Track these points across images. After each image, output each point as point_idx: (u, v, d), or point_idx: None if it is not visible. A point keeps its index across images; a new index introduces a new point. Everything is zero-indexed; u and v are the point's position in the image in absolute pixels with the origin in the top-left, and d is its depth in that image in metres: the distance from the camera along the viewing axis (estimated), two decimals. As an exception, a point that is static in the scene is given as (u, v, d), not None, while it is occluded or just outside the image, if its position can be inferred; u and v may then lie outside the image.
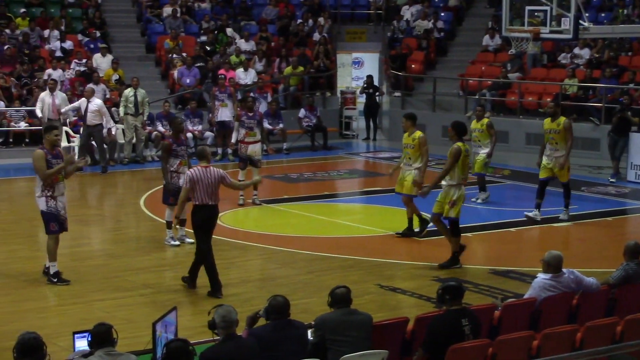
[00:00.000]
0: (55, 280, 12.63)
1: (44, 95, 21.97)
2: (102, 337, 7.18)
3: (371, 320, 8.39)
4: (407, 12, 30.61)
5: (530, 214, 16.54)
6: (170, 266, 13.73)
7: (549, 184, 16.73)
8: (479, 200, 18.06)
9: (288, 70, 27.21)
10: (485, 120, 18.14)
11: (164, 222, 15.05)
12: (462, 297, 8.43)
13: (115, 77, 25.36)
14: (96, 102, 21.50)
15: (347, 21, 31.55)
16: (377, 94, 27.67)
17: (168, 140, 14.94)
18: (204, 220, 12.23)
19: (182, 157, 14.65)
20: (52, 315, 11.41)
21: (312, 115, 25.79)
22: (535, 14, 20.43)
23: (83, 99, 21.72)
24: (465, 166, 13.63)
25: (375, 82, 28.16)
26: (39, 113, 21.96)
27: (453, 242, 13.76)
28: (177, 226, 13.95)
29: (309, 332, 8.19)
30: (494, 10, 29.69)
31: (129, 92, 22.75)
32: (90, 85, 22.49)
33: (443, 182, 13.70)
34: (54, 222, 12.57)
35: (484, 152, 18.01)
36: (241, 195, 17.72)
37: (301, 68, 27.26)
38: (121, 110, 22.82)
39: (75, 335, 7.86)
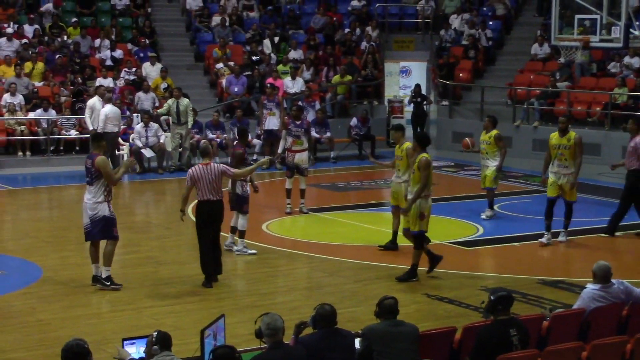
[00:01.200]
0: (109, 283, 12.79)
1: (95, 102, 22.02)
2: (168, 340, 7.33)
3: (417, 332, 8.37)
4: (456, 21, 30.51)
5: (543, 240, 15.72)
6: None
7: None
8: (483, 217, 17.46)
9: (336, 78, 27.27)
10: (494, 132, 17.28)
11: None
12: (511, 307, 8.39)
13: (163, 85, 25.57)
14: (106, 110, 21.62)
15: (395, 30, 31.51)
16: (424, 102, 27.60)
17: (240, 148, 14.92)
18: (208, 215, 12.98)
19: (250, 165, 14.90)
20: (102, 321, 11.51)
21: (363, 127, 25.68)
22: (585, 22, 20.32)
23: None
24: (431, 178, 13.32)
25: (423, 91, 28.11)
26: (87, 120, 22.10)
27: (415, 255, 13.39)
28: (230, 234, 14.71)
29: (357, 341, 8.18)
30: (543, 18, 29.50)
31: (171, 102, 22.88)
32: (107, 95, 22.46)
33: (409, 196, 13.37)
34: (115, 227, 12.87)
35: (492, 165, 17.29)
36: (288, 204, 17.77)
37: (349, 77, 27.30)
38: (164, 110, 22.98)
39: (125, 342, 7.88)
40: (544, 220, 15.75)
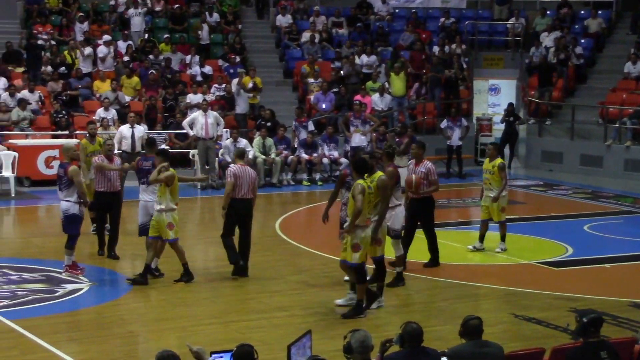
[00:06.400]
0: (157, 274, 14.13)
1: (198, 115, 22.74)
2: (247, 356, 7.28)
3: (502, 352, 8.26)
4: (547, 39, 30.15)
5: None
6: (304, 289, 13.81)
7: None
8: (497, 250, 16.09)
9: (393, 78, 27.14)
10: (498, 162, 15.88)
11: (299, 246, 15.21)
12: (601, 329, 8.25)
13: (250, 84, 25.79)
14: (139, 129, 21.68)
15: (484, 47, 31.34)
16: (517, 122, 27.24)
17: (345, 170, 14.46)
18: (242, 211, 13.93)
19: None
20: (189, 334, 11.59)
21: (455, 126, 25.41)
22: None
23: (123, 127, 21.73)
24: (370, 204, 12.26)
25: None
26: (187, 129, 22.76)
27: (359, 290, 12.41)
28: None
29: (443, 360, 8.11)
30: (637, 36, 29.06)
31: (259, 140, 23.38)
32: (132, 114, 22.12)
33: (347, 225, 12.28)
34: None
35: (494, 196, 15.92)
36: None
37: (403, 73, 27.09)
38: (255, 150, 23.25)
39: (213, 355, 7.90)
40: None
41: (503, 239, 16.18)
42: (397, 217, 13.59)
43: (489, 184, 16.02)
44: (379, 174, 12.58)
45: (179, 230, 13.92)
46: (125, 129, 20.87)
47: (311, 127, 24.54)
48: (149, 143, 15.04)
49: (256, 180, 14.28)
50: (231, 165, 14.30)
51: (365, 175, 12.38)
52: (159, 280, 14.10)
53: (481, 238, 16.23)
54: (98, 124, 23.32)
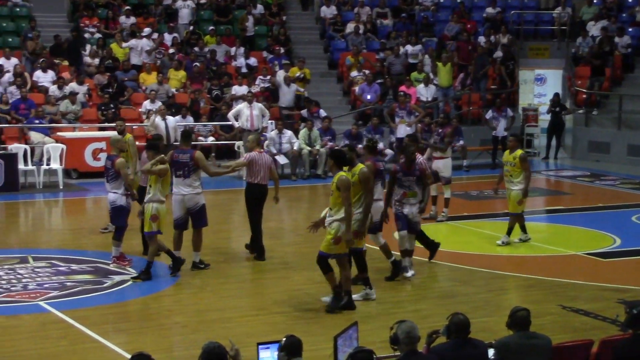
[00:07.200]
0: (203, 266, 14.28)
1: (243, 107, 23.02)
2: (297, 347, 7.33)
3: (550, 344, 8.22)
4: (593, 28, 29.85)
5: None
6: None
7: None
8: (499, 242, 15.99)
9: (440, 67, 26.96)
10: (519, 153, 15.71)
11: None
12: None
13: (299, 75, 25.82)
14: (171, 120, 21.84)
15: (530, 37, 31.10)
16: (563, 112, 27.02)
17: (395, 166, 14.12)
18: (255, 196, 14.58)
19: (408, 188, 13.68)
20: (235, 325, 11.68)
21: (500, 117, 25.14)
22: None
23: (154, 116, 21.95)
24: (354, 198, 12.13)
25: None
26: (233, 120, 23.04)
27: (343, 279, 12.32)
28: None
29: (490, 351, 8.08)
30: (685, 24, 28.68)
31: (304, 132, 23.56)
32: (162, 106, 22.58)
33: (330, 218, 12.15)
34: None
35: (516, 188, 15.70)
36: (445, 212, 17.82)
37: (449, 64, 27.02)
38: (301, 141, 23.32)
39: (260, 346, 7.94)
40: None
41: (509, 232, 16.02)
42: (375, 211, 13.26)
43: (509, 175, 15.84)
44: (360, 166, 12.41)
45: (162, 225, 13.70)
46: (157, 121, 21.13)
47: (323, 113, 24.51)
48: (185, 135, 14.71)
49: (273, 166, 14.85)
50: (250, 152, 14.72)
51: (346, 167, 12.24)
52: (204, 271, 14.19)
53: (523, 229, 16.11)
54: (144, 116, 23.56)
